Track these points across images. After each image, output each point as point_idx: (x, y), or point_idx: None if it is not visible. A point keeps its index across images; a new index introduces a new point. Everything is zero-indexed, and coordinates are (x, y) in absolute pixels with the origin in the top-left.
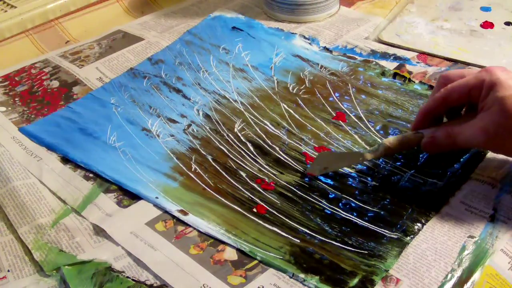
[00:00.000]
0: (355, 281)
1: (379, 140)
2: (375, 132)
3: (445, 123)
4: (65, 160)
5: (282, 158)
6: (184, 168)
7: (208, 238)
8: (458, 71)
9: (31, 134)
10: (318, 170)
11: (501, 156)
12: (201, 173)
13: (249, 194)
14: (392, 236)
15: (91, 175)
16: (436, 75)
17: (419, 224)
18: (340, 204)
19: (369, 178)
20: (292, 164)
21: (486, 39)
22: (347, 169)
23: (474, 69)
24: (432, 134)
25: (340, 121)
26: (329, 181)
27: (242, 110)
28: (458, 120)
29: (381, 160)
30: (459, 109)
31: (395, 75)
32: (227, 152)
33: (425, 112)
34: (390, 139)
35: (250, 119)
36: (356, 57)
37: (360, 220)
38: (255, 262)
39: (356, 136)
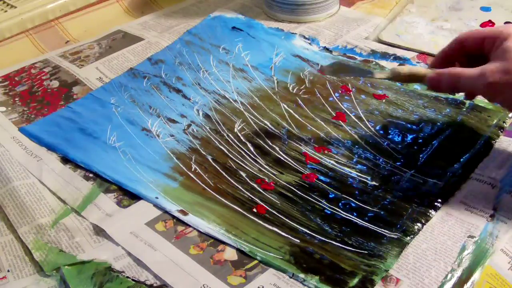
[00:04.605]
0: (355, 281)
1: (379, 140)
2: (375, 132)
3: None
4: (65, 160)
5: (282, 158)
6: (184, 168)
7: (208, 238)
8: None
9: (31, 134)
10: (329, 72)
11: (501, 156)
12: (201, 173)
13: (249, 194)
14: (392, 236)
15: (91, 175)
16: None
17: (419, 224)
18: (340, 204)
19: (369, 178)
20: (292, 164)
21: None
22: (347, 169)
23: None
24: (438, 71)
25: (340, 121)
26: (329, 181)
27: (242, 110)
28: (467, 66)
29: (381, 160)
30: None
31: None
32: (227, 152)
33: (441, 54)
34: (402, 66)
35: (250, 119)
36: (356, 57)
37: (360, 220)
38: (255, 262)
39: (356, 136)
